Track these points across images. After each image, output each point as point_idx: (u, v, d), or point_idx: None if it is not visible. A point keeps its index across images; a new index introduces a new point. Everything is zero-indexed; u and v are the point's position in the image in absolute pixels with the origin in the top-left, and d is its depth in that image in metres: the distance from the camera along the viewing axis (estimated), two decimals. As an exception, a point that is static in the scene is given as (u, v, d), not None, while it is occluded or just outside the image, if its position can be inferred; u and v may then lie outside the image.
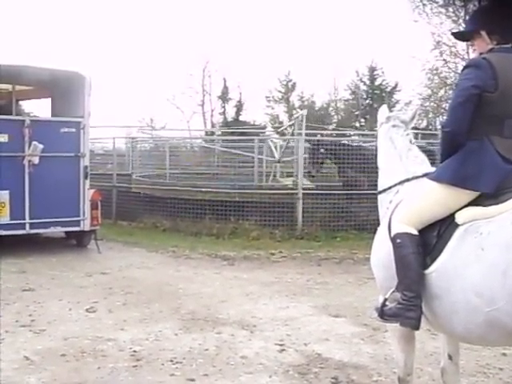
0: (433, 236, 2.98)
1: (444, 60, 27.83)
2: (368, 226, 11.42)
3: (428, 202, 3.02)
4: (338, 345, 5.41)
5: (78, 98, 9.87)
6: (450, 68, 28.24)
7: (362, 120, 37.10)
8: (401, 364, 3.47)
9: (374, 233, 11.76)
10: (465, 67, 3.06)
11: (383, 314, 3.12)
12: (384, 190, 3.60)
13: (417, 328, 3.00)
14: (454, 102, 2.99)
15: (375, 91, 37.32)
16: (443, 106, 30.48)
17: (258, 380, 4.52)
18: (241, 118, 36.41)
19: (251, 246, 10.61)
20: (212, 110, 38.37)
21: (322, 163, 12.72)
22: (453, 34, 3.81)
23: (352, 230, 11.54)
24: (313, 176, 12.63)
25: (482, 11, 3.26)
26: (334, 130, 20.84)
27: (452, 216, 2.93)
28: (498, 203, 2.81)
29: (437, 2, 25.92)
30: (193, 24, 55.10)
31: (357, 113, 37.77)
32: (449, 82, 28.89)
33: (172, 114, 48.95)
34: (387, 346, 5.33)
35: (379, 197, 3.69)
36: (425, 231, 3.02)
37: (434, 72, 28.50)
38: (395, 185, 3.48)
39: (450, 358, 3.56)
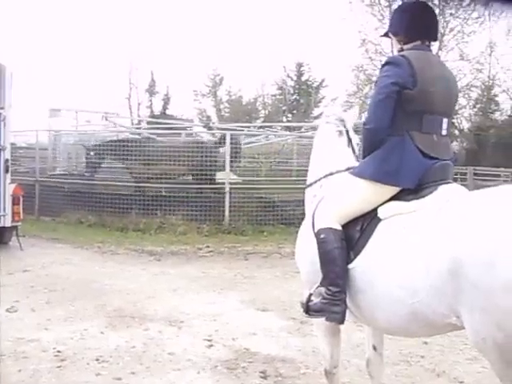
0: (356, 231, 3.03)
1: (369, 58, 28.56)
2: (295, 221, 11.57)
3: (351, 197, 3.08)
4: (265, 339, 5.45)
5: (-2, 89, 9.48)
6: (375, 65, 28.97)
7: (289, 115, 37.41)
8: (327, 357, 3.52)
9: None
10: (384, 64, 3.11)
11: (309, 309, 3.14)
12: (310, 185, 3.64)
13: (342, 322, 3.05)
14: (374, 99, 3.05)
15: (302, 87, 37.64)
16: (368, 102, 31.22)
17: (186, 376, 4.50)
18: (168, 112, 35.97)
19: (178, 241, 10.55)
20: (139, 104, 37.74)
21: (99, 164, 13.26)
22: (381, 35, 3.91)
23: (279, 225, 11.66)
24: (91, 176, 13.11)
25: (392, 15, 3.40)
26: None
27: (375, 211, 3.00)
28: (418, 198, 2.89)
29: (363, 1, 26.59)
30: (120, 16, 53.86)
31: (284, 108, 38.04)
32: (374, 79, 29.58)
33: (97, 107, 47.91)
34: (314, 339, 5.36)
35: (306, 191, 3.73)
36: (348, 226, 3.07)
37: (360, 69, 29.22)
38: (320, 179, 3.53)
39: (374, 348, 3.65)
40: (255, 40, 51.18)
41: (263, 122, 34.16)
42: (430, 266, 2.64)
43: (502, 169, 20.76)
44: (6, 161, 9.40)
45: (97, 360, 4.75)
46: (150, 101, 37.57)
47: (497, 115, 29.44)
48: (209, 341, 5.32)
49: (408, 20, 3.14)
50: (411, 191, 2.93)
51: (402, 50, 3.14)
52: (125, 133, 15.89)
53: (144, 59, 43.71)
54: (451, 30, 25.90)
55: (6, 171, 9.38)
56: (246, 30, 50.39)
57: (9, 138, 9.78)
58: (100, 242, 10.24)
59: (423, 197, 2.89)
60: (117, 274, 7.99)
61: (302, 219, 11.93)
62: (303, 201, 11.83)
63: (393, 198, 2.98)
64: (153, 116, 33.34)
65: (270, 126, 22.72)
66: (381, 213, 2.97)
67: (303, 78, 38.07)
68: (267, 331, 5.66)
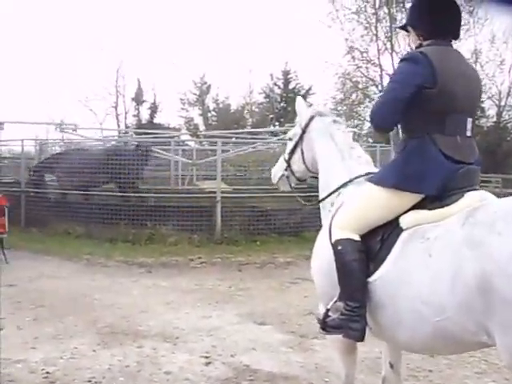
0: (376, 241, 2.82)
1: (356, 65, 28.61)
2: (287, 230, 11.39)
3: (370, 206, 2.86)
4: (265, 354, 5.20)
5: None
6: (361, 73, 29.08)
7: (277, 123, 37.37)
8: (342, 376, 3.29)
9: (294, 236, 11.65)
10: (401, 61, 2.89)
11: (326, 325, 2.93)
12: (327, 196, 3.35)
13: (361, 340, 2.84)
14: (383, 97, 2.84)
15: (289, 95, 37.60)
16: (355, 109, 31.33)
17: (184, 398, 4.24)
18: (155, 121, 35.73)
19: (169, 252, 10.27)
20: (126, 112, 37.43)
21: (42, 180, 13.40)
22: (397, 27, 3.70)
23: (272, 234, 11.43)
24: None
25: (411, 7, 3.12)
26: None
27: (396, 220, 2.78)
28: (443, 206, 2.68)
29: (349, 9, 26.65)
30: (106, 23, 53.65)
31: (271, 116, 38.00)
32: (360, 86, 29.72)
33: (84, 116, 47.57)
34: (316, 354, 5.20)
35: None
36: (367, 237, 2.85)
37: (347, 76, 29.21)
38: (338, 188, 3.27)
39: (391, 366, 3.42)
40: (242, 48, 51.31)
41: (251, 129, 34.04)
42: (456, 281, 2.45)
43: (493, 175, 20.77)
44: (-10, 172, 9.09)
45: (89, 381, 4.46)
46: (137, 109, 37.30)
47: (483, 121, 29.58)
48: (206, 358, 5.06)
49: (431, 13, 2.88)
50: (435, 199, 2.72)
51: (420, 46, 2.90)
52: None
53: (131, 67, 43.54)
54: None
55: (-10, 182, 9.06)
56: (233, 38, 50.50)
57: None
58: (88, 253, 9.93)
59: (448, 205, 2.67)
60: (107, 287, 7.71)
61: (295, 228, 11.67)
62: (296, 209, 11.50)
63: (415, 207, 2.76)
64: (140, 125, 33.11)
65: (258, 133, 22.53)
66: (403, 222, 2.75)
67: (290, 86, 38.10)
68: (267, 346, 5.42)
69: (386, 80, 28.94)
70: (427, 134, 2.76)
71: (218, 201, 11.33)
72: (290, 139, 3.70)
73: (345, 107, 31.35)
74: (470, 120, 2.83)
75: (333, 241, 2.91)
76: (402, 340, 2.80)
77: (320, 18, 28.55)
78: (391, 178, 2.80)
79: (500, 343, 2.36)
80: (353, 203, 2.98)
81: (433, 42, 2.86)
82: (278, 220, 11.60)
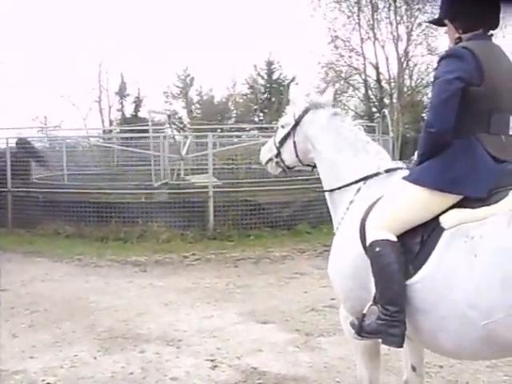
0: (415, 242, 2.66)
1: (339, 54, 28.52)
2: (280, 223, 11.22)
3: (409, 206, 2.69)
4: (272, 355, 5.05)
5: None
6: (345, 62, 28.99)
7: (261, 114, 37.21)
8: (364, 382, 3.13)
9: (287, 229, 11.41)
10: (442, 58, 2.72)
11: (361, 330, 2.78)
12: (339, 188, 3.20)
13: (401, 346, 2.68)
14: (437, 99, 2.64)
15: (273, 85, 37.47)
16: (338, 98, 31.21)
17: (194, 406, 4.07)
18: (140, 115, 35.36)
19: (162, 249, 10.03)
20: (110, 107, 36.98)
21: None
22: (429, 22, 3.52)
23: (265, 228, 11.23)
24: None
25: None
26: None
27: (436, 220, 2.64)
28: (489, 204, 2.53)
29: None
30: (88, 17, 52.97)
31: (255, 107, 37.82)
32: (343, 75, 29.62)
33: (67, 111, 46.95)
34: (324, 353, 5.08)
35: (331, 195, 3.31)
36: (405, 237, 2.70)
37: (330, 66, 29.08)
38: (354, 182, 3.11)
39: (413, 369, 3.28)
40: (225, 39, 51.00)
41: (236, 121, 33.88)
42: (506, 281, 2.33)
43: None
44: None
45: (93, 391, 4.29)
46: (121, 103, 36.91)
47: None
48: (212, 361, 4.90)
49: (469, 3, 2.72)
50: (478, 198, 2.57)
51: (459, 39, 2.76)
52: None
53: (113, 61, 43.13)
54: (419, 24, 25.98)
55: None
56: (216, 30, 50.19)
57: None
58: (80, 253, 9.66)
59: (494, 203, 2.52)
60: (102, 288, 7.49)
61: (288, 221, 11.42)
62: (288, 202, 11.27)
63: (456, 205, 2.62)
64: (124, 119, 32.75)
65: (243, 129, 22.30)
66: (444, 222, 2.60)
67: (274, 77, 37.93)
68: (273, 346, 5.27)
69: (370, 69, 28.98)
70: (472, 133, 2.64)
71: (210, 196, 11.13)
72: (282, 127, 3.55)
73: (328, 96, 31.18)
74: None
75: (369, 242, 2.74)
76: (446, 347, 2.65)
77: (302, 6, 28.41)
78: (433, 178, 2.65)
79: None
80: (389, 202, 2.81)
81: (473, 35, 2.73)
82: (270, 213, 11.40)
